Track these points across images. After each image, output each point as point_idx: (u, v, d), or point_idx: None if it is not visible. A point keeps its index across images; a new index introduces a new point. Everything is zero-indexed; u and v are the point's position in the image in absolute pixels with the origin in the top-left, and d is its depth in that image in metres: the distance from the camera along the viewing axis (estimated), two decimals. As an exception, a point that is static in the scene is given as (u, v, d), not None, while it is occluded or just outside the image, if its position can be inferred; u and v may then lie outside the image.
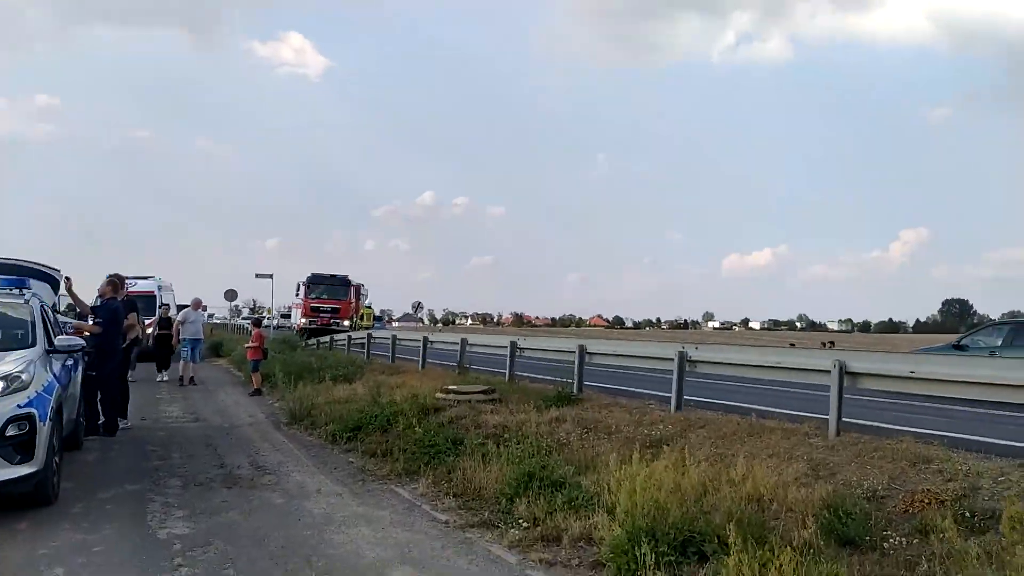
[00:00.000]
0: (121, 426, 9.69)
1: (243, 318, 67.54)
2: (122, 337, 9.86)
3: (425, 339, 15.25)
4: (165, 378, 16.78)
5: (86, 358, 9.11)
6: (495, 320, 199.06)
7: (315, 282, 35.48)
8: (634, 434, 7.54)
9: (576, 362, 10.08)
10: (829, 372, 6.61)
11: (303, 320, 34.97)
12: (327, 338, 25.05)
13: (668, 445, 7.04)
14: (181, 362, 16.43)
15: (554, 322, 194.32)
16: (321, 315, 34.40)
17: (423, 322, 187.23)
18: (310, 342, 25.68)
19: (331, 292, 35.03)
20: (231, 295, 37.31)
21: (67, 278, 9.77)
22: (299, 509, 5.94)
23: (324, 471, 7.41)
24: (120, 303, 9.71)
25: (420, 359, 15.19)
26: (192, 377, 16.24)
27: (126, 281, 24.60)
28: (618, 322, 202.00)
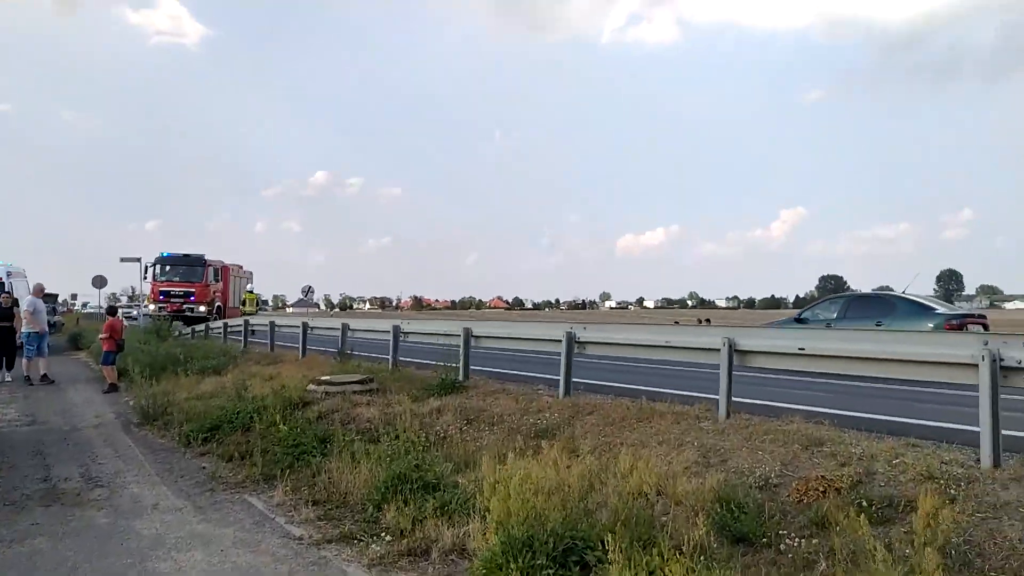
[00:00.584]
0: None
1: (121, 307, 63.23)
2: None
3: (304, 325, 14.25)
4: (7, 378, 14.52)
5: None
6: (394, 304, 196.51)
7: (164, 263, 30.51)
8: (519, 424, 7.01)
9: (461, 346, 9.47)
10: (719, 351, 6.26)
11: (152, 306, 30.18)
12: (202, 327, 23.38)
13: (554, 435, 6.56)
14: (24, 360, 14.33)
15: (454, 304, 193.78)
16: (172, 300, 29.67)
17: (319, 307, 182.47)
18: (185, 331, 23.91)
19: (184, 274, 30.06)
20: (99, 281, 34.49)
21: None
22: (125, 530, 5.06)
23: (168, 480, 6.50)
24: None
25: (300, 347, 14.20)
26: (45, 375, 14.33)
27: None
28: (518, 303, 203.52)
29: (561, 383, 7.90)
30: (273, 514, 5.45)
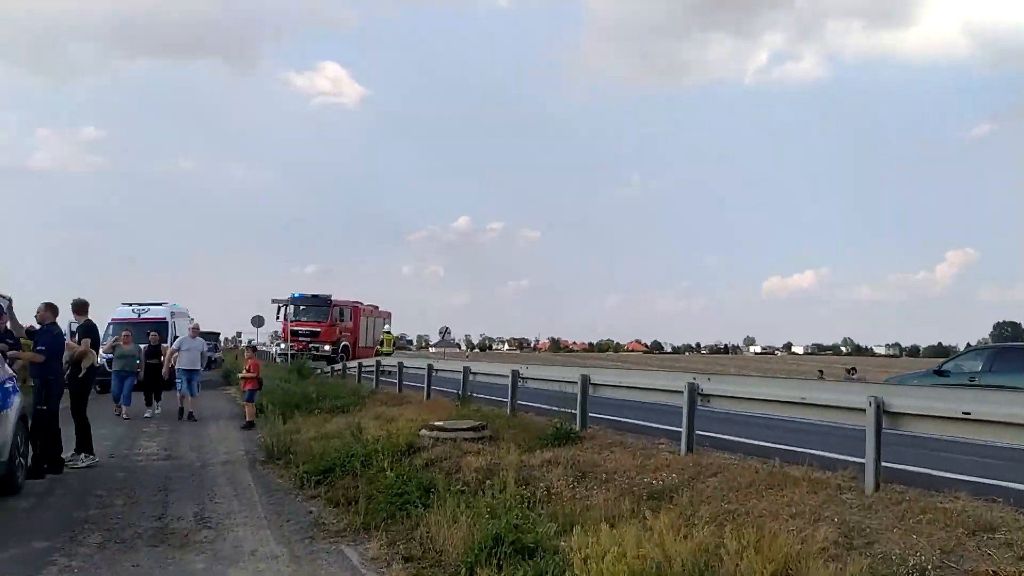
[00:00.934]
0: (85, 464, 8.87)
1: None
2: (76, 366, 9.07)
3: (429, 367, 14.29)
4: (155, 412, 15.39)
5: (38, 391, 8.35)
6: (532, 345, 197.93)
7: (294, 304, 31.59)
8: (632, 482, 6.43)
9: (579, 394, 8.99)
10: (864, 411, 5.43)
11: (283, 345, 31.37)
12: (339, 366, 24.19)
13: (671, 498, 5.94)
14: (178, 395, 15.10)
15: (591, 347, 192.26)
16: (300, 339, 30.62)
17: (459, 347, 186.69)
18: (325, 370, 24.84)
19: (312, 314, 31.08)
20: (258, 321, 36.63)
21: (7, 299, 9.00)
22: (219, 579, 4.96)
23: (274, 524, 6.42)
24: (61, 328, 8.89)
25: (425, 389, 14.21)
26: (191, 412, 14.83)
27: (139, 306, 24.53)
28: (656, 347, 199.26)
29: (683, 439, 7.23)
30: (366, 569, 5.18)
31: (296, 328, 30.87)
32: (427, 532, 5.67)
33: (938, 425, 5.16)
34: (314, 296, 31.83)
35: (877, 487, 5.32)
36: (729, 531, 4.91)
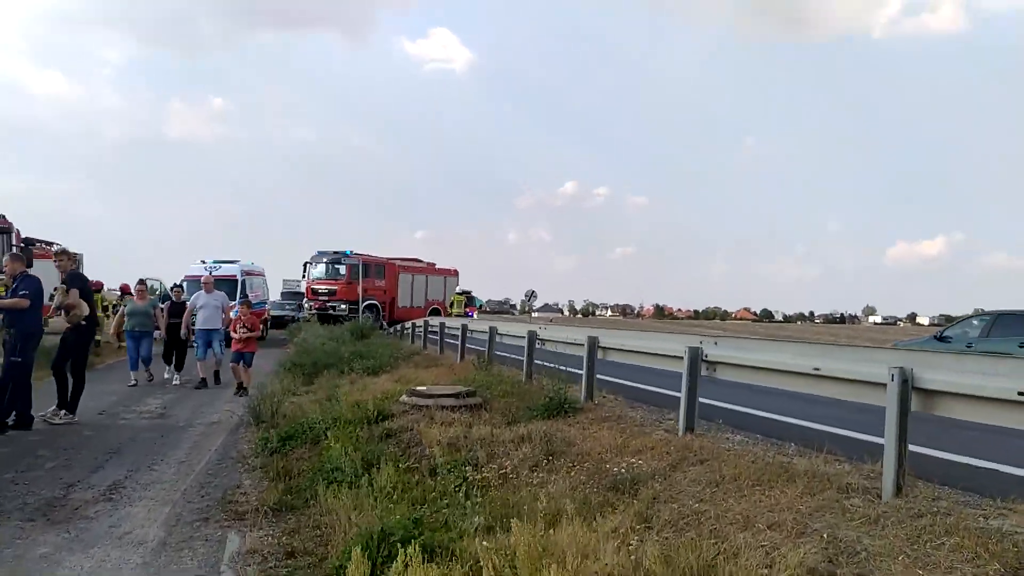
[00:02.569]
0: (62, 421, 8.45)
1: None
2: (72, 320, 8.64)
3: (464, 327, 13.33)
4: (175, 379, 12.94)
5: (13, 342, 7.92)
6: (635, 312, 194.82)
7: (314, 261, 29.80)
8: (603, 468, 5.20)
9: (586, 358, 7.76)
10: (884, 387, 3.99)
11: (307, 304, 29.84)
12: (399, 327, 23.60)
13: (636, 490, 4.69)
14: (197, 361, 12.90)
15: (696, 314, 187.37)
16: (319, 298, 29.10)
17: (562, 313, 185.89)
18: (388, 330, 24.41)
19: (329, 272, 29.20)
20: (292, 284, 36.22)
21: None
22: (51, 567, 4.14)
23: (185, 499, 5.61)
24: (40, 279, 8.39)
25: (459, 351, 13.28)
26: (216, 373, 12.99)
27: (212, 263, 24.69)
28: (766, 315, 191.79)
29: (680, 416, 5.91)
30: (230, 565, 4.24)
31: (315, 287, 29.58)
32: (327, 521, 4.69)
33: (986, 410, 3.65)
34: (333, 253, 29.92)
35: (898, 490, 3.88)
36: (680, 543, 3.67)
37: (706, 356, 5.87)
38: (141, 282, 14.18)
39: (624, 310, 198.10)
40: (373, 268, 30.35)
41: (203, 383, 12.57)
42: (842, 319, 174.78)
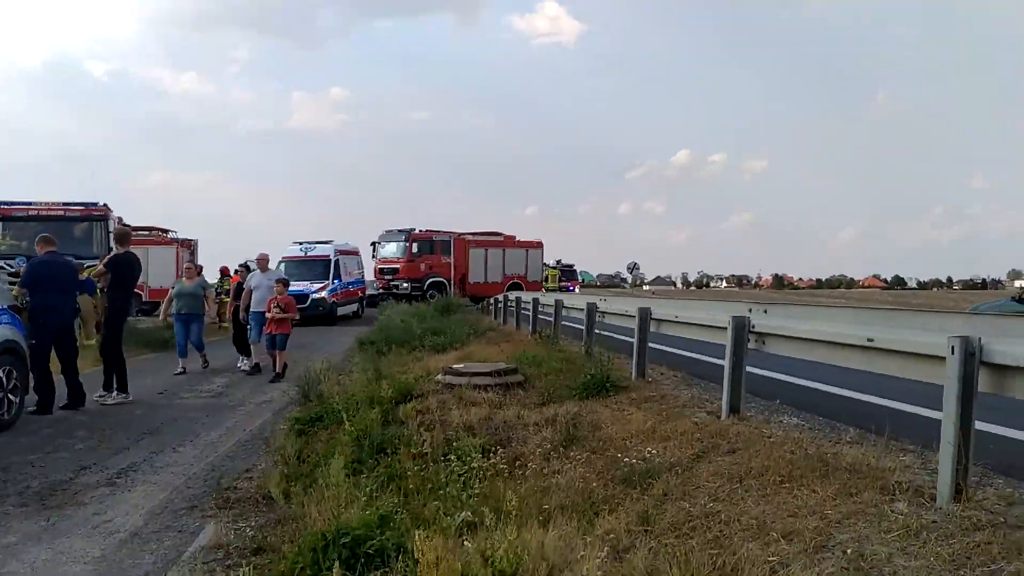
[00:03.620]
0: (114, 401, 8.54)
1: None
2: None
3: (535, 301, 12.80)
4: (245, 366, 11.60)
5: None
6: (752, 282, 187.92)
7: (382, 240, 29.32)
8: (620, 457, 4.54)
9: (636, 333, 7.05)
10: (944, 361, 3.13)
11: (375, 283, 28.98)
12: (491, 300, 23.09)
13: (648, 484, 4.02)
14: (252, 345, 11.51)
15: (819, 283, 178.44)
16: (384, 276, 28.66)
17: (676, 285, 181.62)
18: (476, 306, 24.13)
19: (393, 250, 28.55)
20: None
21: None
22: (5, 559, 3.95)
23: (185, 485, 5.36)
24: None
25: (531, 325, 12.77)
26: (278, 363, 10.76)
27: (307, 244, 25.17)
28: (898, 282, 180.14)
29: (724, 396, 5.14)
30: (191, 561, 3.90)
31: (381, 266, 29.19)
32: (307, 515, 4.28)
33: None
34: (398, 231, 29.32)
35: (957, 493, 3.04)
36: (674, 553, 3.02)
37: (753, 327, 5.05)
38: (192, 261, 13.61)
39: (740, 281, 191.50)
40: (439, 244, 29.67)
41: (256, 368, 11.24)
42: (983, 285, 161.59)
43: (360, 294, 27.04)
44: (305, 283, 22.99)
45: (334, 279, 23.69)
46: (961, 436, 3.05)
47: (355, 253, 27.27)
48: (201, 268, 22.94)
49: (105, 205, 17.80)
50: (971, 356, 3.06)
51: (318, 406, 7.26)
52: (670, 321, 6.78)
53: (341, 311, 24.24)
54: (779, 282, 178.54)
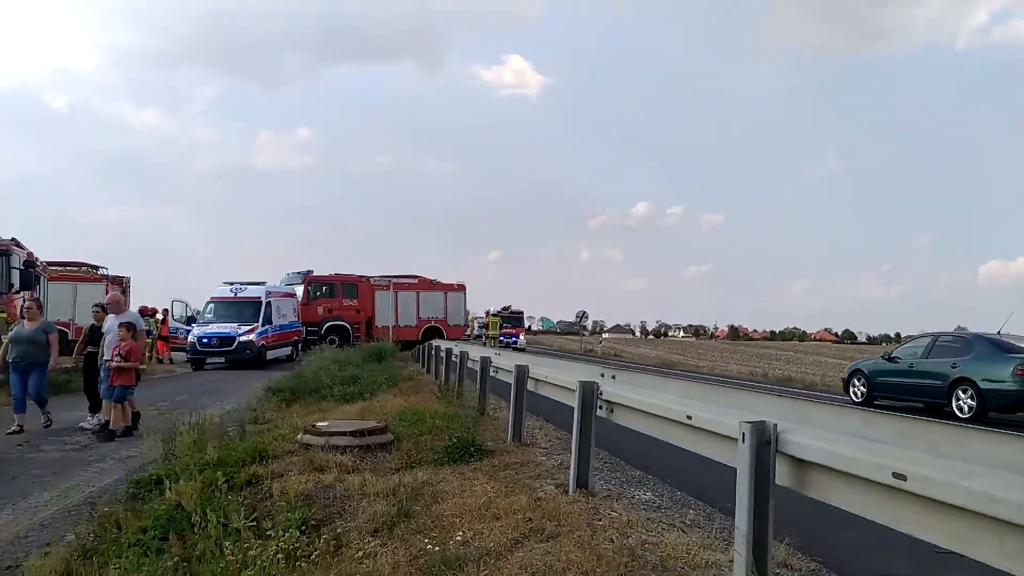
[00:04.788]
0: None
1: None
2: None
3: (447, 351, 12.33)
4: (88, 424, 9.72)
5: None
6: (708, 333, 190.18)
7: (285, 283, 28.06)
8: (444, 539, 4.07)
9: (513, 391, 6.63)
10: (736, 444, 2.77)
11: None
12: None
13: (456, 573, 3.55)
14: (103, 401, 9.43)
15: (773, 335, 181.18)
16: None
17: (635, 334, 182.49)
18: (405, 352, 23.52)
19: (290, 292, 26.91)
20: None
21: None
22: None
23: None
24: None
25: (440, 376, 12.30)
26: (114, 418, 9.00)
27: (238, 285, 24.38)
28: (848, 336, 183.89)
29: (572, 467, 4.72)
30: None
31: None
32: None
33: (860, 494, 2.38)
34: (296, 274, 28.42)
35: (749, 604, 2.64)
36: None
37: (601, 393, 4.66)
38: (34, 300, 10.57)
39: (697, 331, 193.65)
40: (341, 287, 28.83)
41: (105, 426, 9.20)
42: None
43: (296, 337, 26.26)
44: (232, 325, 22.24)
45: (264, 322, 22.94)
46: (754, 537, 2.66)
47: (291, 295, 26.57)
48: (41, 307, 22.05)
49: (13, 240, 16.96)
50: (766, 444, 2.70)
51: (160, 467, 6.66)
52: (543, 381, 6.38)
53: (272, 355, 23.43)
54: (734, 333, 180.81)
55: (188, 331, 23.08)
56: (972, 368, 11.41)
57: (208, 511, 4.95)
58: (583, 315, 44.00)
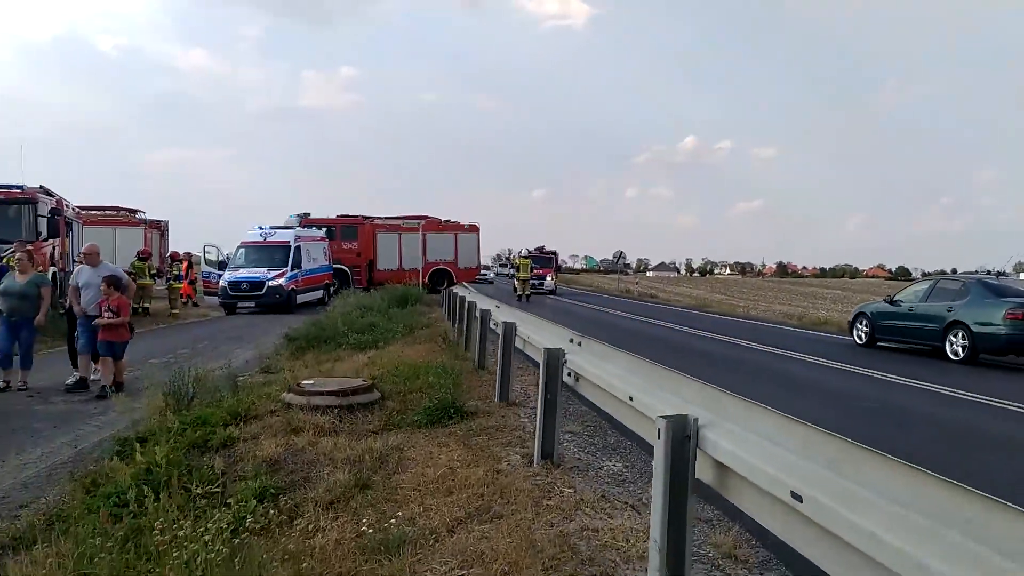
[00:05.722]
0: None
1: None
2: None
3: (453, 296, 12.18)
4: (71, 380, 9.08)
5: None
6: (755, 271, 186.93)
7: (287, 225, 26.41)
8: (390, 515, 3.94)
9: (500, 349, 6.43)
10: (657, 430, 2.52)
11: None
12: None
13: (392, 557, 3.43)
14: (79, 356, 9.12)
15: (823, 272, 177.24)
16: None
17: (679, 272, 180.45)
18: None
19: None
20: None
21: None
22: None
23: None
24: None
25: (454, 323, 12.17)
26: (106, 374, 8.72)
27: (268, 229, 24.42)
28: (903, 273, 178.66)
29: (536, 437, 4.52)
30: None
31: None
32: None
33: (768, 506, 2.11)
34: (295, 216, 27.23)
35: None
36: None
37: (566, 361, 4.42)
38: (26, 251, 9.71)
39: (744, 268, 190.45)
40: (341, 230, 28.04)
41: (82, 383, 8.89)
42: (989, 275, 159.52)
43: (327, 280, 26.42)
44: (262, 270, 22.43)
45: (294, 266, 23.07)
46: (670, 537, 2.43)
47: (322, 239, 26.62)
48: (33, 258, 21.98)
49: (42, 187, 17.17)
50: (686, 440, 2.44)
51: (145, 426, 6.67)
52: (528, 341, 6.16)
53: (302, 298, 23.63)
54: (783, 271, 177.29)
55: (220, 275, 23.36)
56: (966, 312, 11.75)
57: (173, 477, 4.93)
58: (620, 255, 43.41)
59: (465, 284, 24.08)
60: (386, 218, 30.24)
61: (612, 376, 3.54)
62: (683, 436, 2.44)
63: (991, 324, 11.40)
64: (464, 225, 30.76)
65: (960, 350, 11.73)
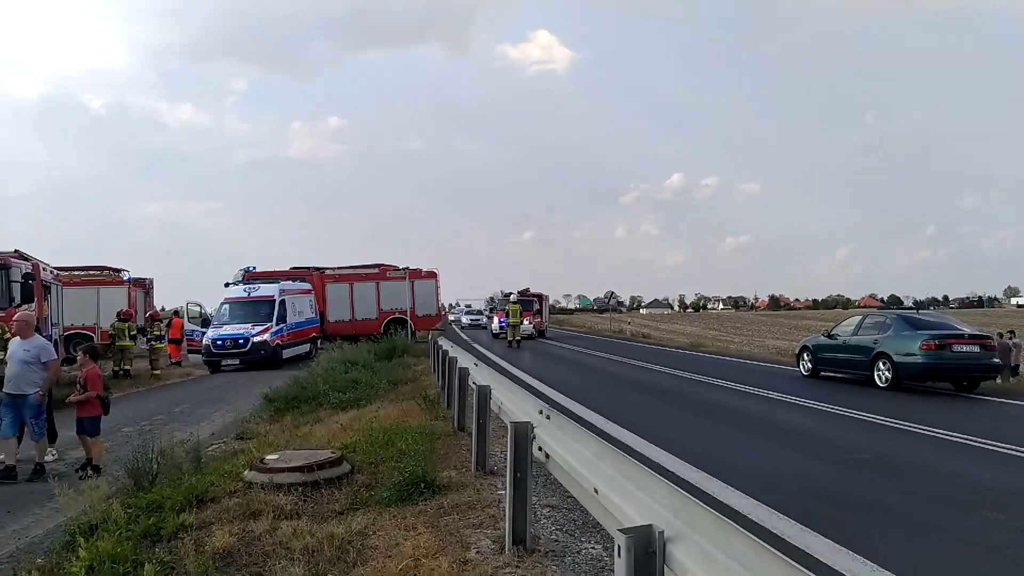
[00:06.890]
0: None
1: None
2: None
3: (438, 349, 11.82)
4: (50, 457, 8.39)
5: None
6: (748, 304, 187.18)
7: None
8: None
9: (475, 414, 6.08)
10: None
11: None
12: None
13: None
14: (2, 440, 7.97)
15: (816, 304, 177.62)
16: None
17: (672, 308, 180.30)
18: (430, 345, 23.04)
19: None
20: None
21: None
22: None
23: None
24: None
25: (440, 379, 11.79)
26: (91, 452, 7.97)
27: (253, 284, 24.04)
28: (894, 301, 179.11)
29: (506, 521, 4.15)
30: None
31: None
32: None
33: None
34: (239, 271, 26.35)
35: None
36: None
37: (534, 437, 4.08)
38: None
39: (737, 303, 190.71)
40: (293, 281, 26.69)
41: (9, 472, 7.88)
42: (980, 303, 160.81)
43: (313, 333, 26.03)
44: (247, 326, 22.00)
45: (279, 320, 22.69)
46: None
47: (308, 291, 26.30)
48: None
49: (16, 251, 16.82)
50: (651, 555, 2.11)
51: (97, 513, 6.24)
52: (500, 407, 5.82)
53: (288, 353, 23.20)
54: (775, 303, 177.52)
55: (203, 332, 22.91)
56: (889, 344, 12.93)
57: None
58: (611, 294, 43.17)
59: (458, 330, 23.71)
60: (338, 268, 29.61)
61: (579, 461, 3.21)
62: (647, 552, 2.10)
63: (910, 354, 12.48)
64: (421, 271, 29.94)
65: (886, 378, 12.79)
